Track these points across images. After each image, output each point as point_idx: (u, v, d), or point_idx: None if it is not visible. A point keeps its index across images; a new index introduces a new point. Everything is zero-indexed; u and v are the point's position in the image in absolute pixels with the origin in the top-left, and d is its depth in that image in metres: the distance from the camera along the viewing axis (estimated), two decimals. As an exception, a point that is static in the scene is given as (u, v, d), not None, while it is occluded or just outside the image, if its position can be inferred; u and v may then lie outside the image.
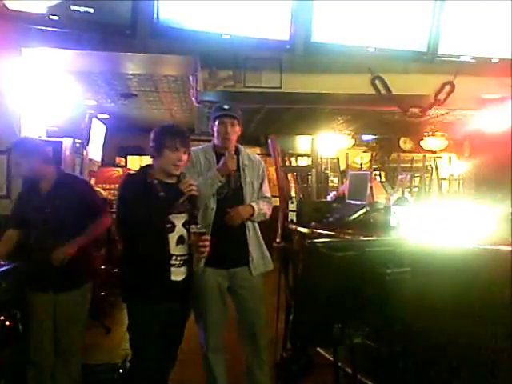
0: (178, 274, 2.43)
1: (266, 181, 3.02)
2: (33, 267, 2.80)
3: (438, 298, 2.05)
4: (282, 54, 4.19)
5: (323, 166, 7.91)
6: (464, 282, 2.01)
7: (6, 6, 3.14)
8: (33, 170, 2.78)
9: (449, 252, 2.21)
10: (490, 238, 2.56)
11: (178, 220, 2.43)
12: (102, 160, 7.66)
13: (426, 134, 8.75)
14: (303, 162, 9.06)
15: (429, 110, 4.96)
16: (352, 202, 4.10)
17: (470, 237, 2.66)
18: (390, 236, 3.18)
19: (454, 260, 2.11)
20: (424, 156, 8.13)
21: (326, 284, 1.86)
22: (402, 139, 9.63)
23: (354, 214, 3.68)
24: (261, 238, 2.93)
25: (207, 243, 2.40)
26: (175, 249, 2.42)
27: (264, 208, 2.90)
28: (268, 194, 3.00)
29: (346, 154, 8.38)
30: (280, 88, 4.40)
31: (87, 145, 6.25)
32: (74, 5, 3.26)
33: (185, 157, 2.44)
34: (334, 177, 8.53)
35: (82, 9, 3.27)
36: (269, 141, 5.20)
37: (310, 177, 7.24)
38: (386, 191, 5.24)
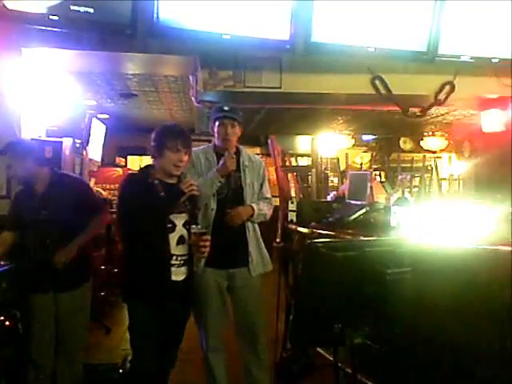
0: (178, 274, 2.43)
1: (267, 182, 3.02)
2: (32, 268, 2.79)
3: (438, 298, 2.05)
4: (282, 53, 4.19)
5: (323, 166, 7.91)
6: (464, 282, 2.01)
7: (5, 6, 3.14)
8: (26, 171, 2.77)
9: (449, 252, 2.20)
10: (490, 238, 2.56)
11: (179, 220, 2.43)
12: (102, 160, 7.65)
13: (425, 133, 8.76)
14: (303, 162, 9.06)
15: (429, 110, 4.96)
16: (352, 201, 4.10)
17: (469, 237, 2.67)
18: (389, 236, 3.18)
19: (454, 260, 2.11)
20: (424, 156, 8.14)
21: (326, 284, 1.86)
22: (402, 139, 9.64)
23: (353, 214, 3.68)
24: (260, 239, 2.93)
25: (207, 243, 2.40)
26: (175, 249, 2.42)
27: (264, 209, 2.90)
28: (268, 195, 3.00)
29: (346, 154, 8.39)
30: (280, 88, 4.39)
31: (87, 145, 6.24)
32: (74, 5, 3.25)
33: (186, 158, 2.44)
34: (334, 177, 8.53)
35: (82, 9, 3.27)
36: (269, 141, 5.20)
37: (309, 177, 7.24)
38: (386, 191, 5.24)
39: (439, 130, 8.50)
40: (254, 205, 2.85)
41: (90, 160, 6.59)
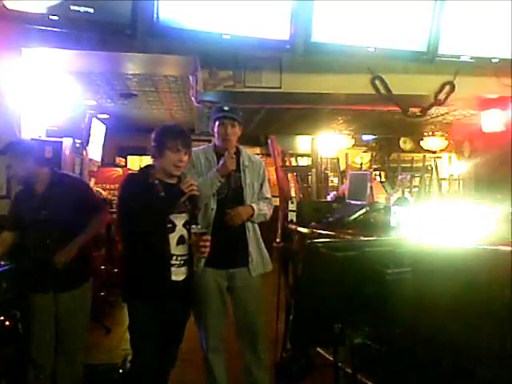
0: (178, 274, 2.43)
1: (267, 182, 3.03)
2: (32, 268, 2.79)
3: (438, 298, 2.05)
4: (282, 53, 4.19)
5: (323, 166, 7.92)
6: (464, 282, 2.00)
7: (5, 6, 3.14)
8: (26, 171, 2.77)
9: (449, 252, 2.20)
10: (490, 238, 2.56)
11: (179, 220, 2.43)
12: (102, 160, 7.65)
13: (425, 133, 8.76)
14: (303, 162, 9.07)
15: (429, 110, 4.96)
16: (352, 201, 4.10)
17: (469, 237, 2.67)
18: (389, 236, 3.18)
19: (454, 260, 2.10)
20: (424, 156, 8.13)
21: (326, 284, 1.86)
22: (402, 139, 9.64)
23: (353, 214, 3.68)
24: (260, 239, 2.93)
25: (208, 243, 2.40)
26: (176, 249, 2.42)
27: (264, 209, 2.90)
28: (268, 195, 3.00)
29: (346, 154, 8.39)
30: (280, 88, 4.39)
31: (87, 145, 6.25)
32: (74, 5, 3.25)
33: (186, 158, 2.43)
34: (334, 177, 8.53)
35: (82, 9, 3.27)
36: (269, 141, 5.20)
37: (309, 177, 7.25)
38: (386, 191, 5.24)
39: (439, 129, 8.49)
40: (253, 205, 2.85)
41: (90, 160, 6.60)
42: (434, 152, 8.95)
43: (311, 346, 3.16)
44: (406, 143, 9.68)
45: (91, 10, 3.28)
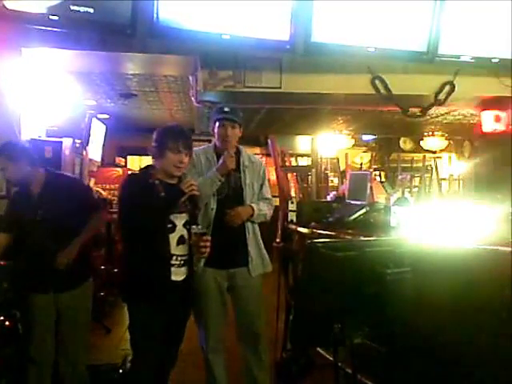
0: (178, 274, 2.43)
1: (267, 182, 3.03)
2: (32, 269, 2.79)
3: (438, 298, 2.05)
4: (282, 54, 4.19)
5: (323, 166, 7.92)
6: (464, 282, 2.01)
7: (5, 6, 3.14)
8: (20, 173, 2.74)
9: (449, 252, 2.20)
10: (490, 238, 2.56)
11: (179, 220, 2.43)
12: (102, 160, 7.66)
13: (425, 134, 8.76)
14: (303, 162, 9.07)
15: (429, 110, 4.96)
16: (352, 202, 4.10)
17: (469, 237, 2.66)
18: (389, 236, 3.18)
19: (454, 260, 2.10)
20: (424, 156, 8.13)
21: (326, 284, 1.86)
22: (402, 139, 9.64)
23: (354, 214, 3.68)
24: (260, 240, 2.93)
25: (208, 244, 2.40)
26: (176, 249, 2.42)
27: (264, 209, 2.90)
28: (268, 196, 3.00)
29: (346, 154, 8.39)
30: (280, 88, 4.39)
31: (87, 145, 6.25)
32: (74, 5, 3.26)
33: (186, 159, 2.43)
34: (334, 177, 8.53)
35: (82, 9, 3.27)
36: (269, 141, 5.21)
37: (309, 177, 7.25)
38: (386, 191, 5.25)
39: (439, 129, 8.50)
40: (253, 205, 2.85)
41: (90, 160, 6.60)
42: (434, 152, 8.96)
43: (311, 345, 3.16)
44: (405, 143, 9.69)
45: (91, 10, 3.29)
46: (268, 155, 7.37)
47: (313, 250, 1.93)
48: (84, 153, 6.00)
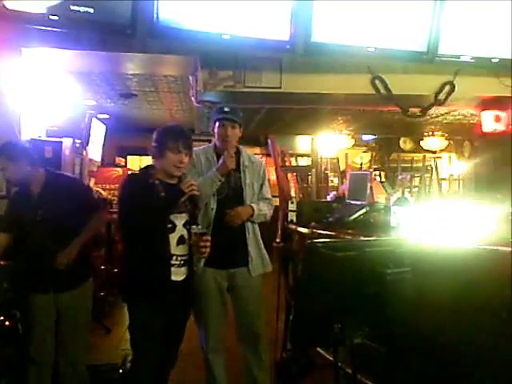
0: (178, 274, 2.43)
1: (267, 182, 3.02)
2: (31, 269, 2.79)
3: (438, 298, 2.05)
4: (282, 54, 4.19)
5: (323, 166, 7.92)
6: (464, 282, 2.01)
7: (5, 6, 3.14)
8: (20, 173, 2.74)
9: (449, 252, 2.20)
10: (490, 238, 2.56)
11: (179, 220, 2.43)
12: (102, 160, 7.66)
13: (425, 134, 8.76)
14: (303, 162, 9.07)
15: (429, 110, 4.96)
16: (352, 202, 4.10)
17: (469, 237, 2.66)
18: (389, 236, 3.18)
19: (454, 260, 2.10)
20: (424, 156, 8.14)
21: (326, 284, 1.86)
22: (402, 139, 9.65)
23: (354, 214, 3.67)
24: (260, 240, 2.93)
25: (208, 244, 2.40)
26: (176, 249, 2.42)
27: (264, 209, 2.90)
28: (268, 196, 3.00)
29: (346, 154, 8.39)
30: (280, 88, 4.39)
31: (87, 145, 6.25)
32: (74, 5, 3.26)
33: (186, 159, 2.43)
34: (334, 177, 8.53)
35: (82, 9, 3.27)
36: (269, 141, 5.21)
37: (309, 177, 7.25)
38: (386, 191, 5.25)
39: (439, 129, 8.50)
40: (253, 205, 2.85)
41: (90, 160, 6.60)
42: (434, 152, 8.96)
43: (311, 345, 3.16)
44: (405, 143, 9.69)
45: (91, 10, 3.29)
46: (268, 155, 7.37)
47: (313, 249, 1.93)
48: (84, 153, 6.00)
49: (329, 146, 8.46)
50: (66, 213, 2.73)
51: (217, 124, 2.82)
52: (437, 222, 3.02)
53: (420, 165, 8.14)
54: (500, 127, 5.01)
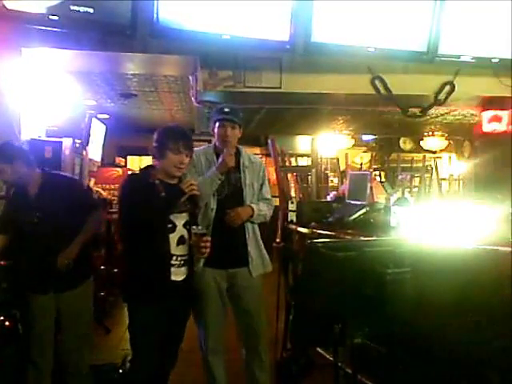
0: (178, 274, 2.43)
1: (267, 182, 3.02)
2: (31, 269, 2.78)
3: (438, 298, 2.05)
4: (282, 54, 4.20)
5: (323, 166, 7.91)
6: (464, 282, 2.00)
7: (5, 6, 3.14)
8: (17, 175, 2.73)
9: (449, 252, 2.20)
10: (490, 238, 2.56)
11: (179, 220, 2.43)
12: (102, 160, 7.65)
13: (425, 134, 8.76)
14: (303, 162, 9.06)
15: (429, 110, 4.96)
16: (352, 202, 4.10)
17: (469, 237, 2.66)
18: (389, 236, 3.18)
19: (454, 260, 2.10)
20: (424, 156, 8.13)
21: (326, 284, 1.86)
22: (402, 139, 9.64)
23: (354, 214, 3.67)
24: (260, 240, 2.92)
25: (208, 244, 2.40)
26: (176, 249, 2.42)
27: (264, 209, 2.90)
28: (268, 196, 2.99)
29: (346, 154, 8.38)
30: (280, 88, 4.40)
31: (87, 145, 6.24)
32: (74, 5, 3.26)
33: (187, 160, 2.43)
34: (334, 177, 8.53)
35: (82, 9, 3.27)
36: (269, 141, 5.20)
37: (309, 177, 7.24)
38: (386, 191, 5.24)
39: (439, 129, 8.50)
40: (253, 205, 2.85)
41: (90, 160, 6.60)
42: (434, 152, 8.96)
43: (311, 346, 3.16)
44: (405, 143, 9.69)
45: (91, 10, 3.29)
46: (268, 155, 7.36)
47: (313, 249, 1.93)
48: (84, 153, 5.99)
49: (329, 146, 8.45)
50: (63, 213, 2.73)
51: (217, 124, 2.82)
52: (437, 221, 3.02)
53: (420, 165, 8.12)
54: (500, 127, 5.01)
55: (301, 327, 1.97)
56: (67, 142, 5.02)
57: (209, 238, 2.41)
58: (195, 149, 2.68)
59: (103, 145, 7.52)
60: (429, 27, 4.01)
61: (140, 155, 9.40)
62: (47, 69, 4.30)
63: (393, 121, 7.31)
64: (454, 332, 2.06)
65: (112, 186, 7.60)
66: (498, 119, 5.02)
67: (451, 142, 8.97)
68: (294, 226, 3.94)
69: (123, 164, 9.48)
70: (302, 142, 9.52)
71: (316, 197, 6.56)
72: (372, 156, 9.65)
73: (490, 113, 5.06)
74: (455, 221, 2.95)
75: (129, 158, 9.90)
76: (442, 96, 4.62)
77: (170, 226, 2.40)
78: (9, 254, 2.90)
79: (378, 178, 8.46)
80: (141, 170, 2.64)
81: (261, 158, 3.43)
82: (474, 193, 5.63)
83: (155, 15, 3.44)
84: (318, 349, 3.32)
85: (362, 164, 9.71)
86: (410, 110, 4.96)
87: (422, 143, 9.06)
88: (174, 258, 2.41)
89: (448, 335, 2.08)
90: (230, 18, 3.68)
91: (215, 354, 2.82)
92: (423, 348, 2.14)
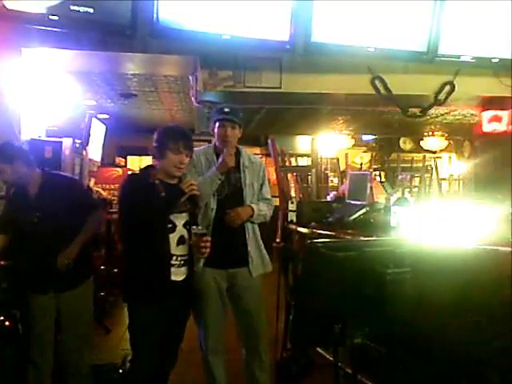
0: (178, 274, 2.43)
1: (267, 182, 3.02)
2: (31, 269, 2.78)
3: (438, 298, 2.05)
4: (282, 54, 4.20)
5: (323, 166, 7.91)
6: (464, 282, 2.01)
7: (5, 6, 3.14)
8: (17, 175, 2.73)
9: (449, 252, 2.20)
10: (490, 238, 2.56)
11: (179, 220, 2.43)
12: (102, 160, 7.65)
13: (425, 134, 8.76)
14: (303, 162, 9.06)
15: (429, 110, 4.96)
16: (352, 202, 4.10)
17: (469, 237, 2.66)
18: (389, 236, 3.18)
19: (454, 260, 2.10)
20: (424, 156, 8.13)
21: (326, 284, 1.86)
22: (402, 139, 9.64)
23: (354, 214, 3.67)
24: (260, 240, 2.92)
25: (208, 244, 2.40)
26: (176, 249, 2.42)
27: (264, 210, 2.90)
28: (268, 196, 2.99)
29: (346, 154, 8.38)
30: (280, 88, 4.40)
31: (87, 145, 6.24)
32: (74, 5, 3.26)
33: (187, 160, 2.44)
34: (334, 177, 8.52)
35: (82, 9, 3.27)
36: (269, 141, 5.20)
37: (309, 177, 7.24)
38: (386, 191, 5.24)
39: (439, 129, 8.50)
40: (253, 205, 2.85)
41: (90, 160, 6.60)
42: (434, 152, 8.95)
43: (311, 345, 3.16)
44: (405, 143, 9.69)
45: (91, 10, 3.29)
46: (268, 155, 7.36)
47: (313, 249, 1.93)
48: (84, 153, 6.00)
49: (329, 145, 8.45)
50: (63, 213, 2.73)
51: (217, 124, 2.82)
52: (437, 222, 3.02)
53: (420, 165, 8.12)
54: (500, 127, 5.01)
55: (301, 327, 1.97)
56: (67, 142, 5.02)
57: (209, 238, 2.41)
58: (195, 149, 2.68)
59: (103, 145, 7.51)
60: (429, 27, 4.01)
61: (140, 155, 9.40)
62: (47, 69, 4.30)
63: (393, 121, 7.31)
64: (454, 332, 2.06)
65: (112, 186, 7.60)
66: (498, 119, 5.02)
67: (451, 141, 8.97)
68: (293, 226, 3.94)
69: (123, 164, 9.48)
70: (302, 142, 9.52)
71: (316, 197, 6.56)
72: (372, 156, 9.65)
73: (490, 113, 5.06)
74: (455, 221, 2.95)
75: (129, 158, 9.90)
76: (442, 96, 4.62)
77: (169, 226, 2.40)
78: (9, 254, 2.90)
79: (378, 178, 8.46)
80: (141, 169, 2.64)
81: (261, 158, 3.43)
82: (474, 193, 5.63)
83: (155, 15, 3.44)
84: (318, 349, 3.32)
85: (361, 164, 9.71)
86: (410, 109, 4.96)
87: (422, 143, 9.06)
88: (174, 258, 2.41)
89: (448, 335, 2.08)
90: (229, 17, 3.68)
91: (215, 354, 2.82)
92: (423, 348, 2.14)
